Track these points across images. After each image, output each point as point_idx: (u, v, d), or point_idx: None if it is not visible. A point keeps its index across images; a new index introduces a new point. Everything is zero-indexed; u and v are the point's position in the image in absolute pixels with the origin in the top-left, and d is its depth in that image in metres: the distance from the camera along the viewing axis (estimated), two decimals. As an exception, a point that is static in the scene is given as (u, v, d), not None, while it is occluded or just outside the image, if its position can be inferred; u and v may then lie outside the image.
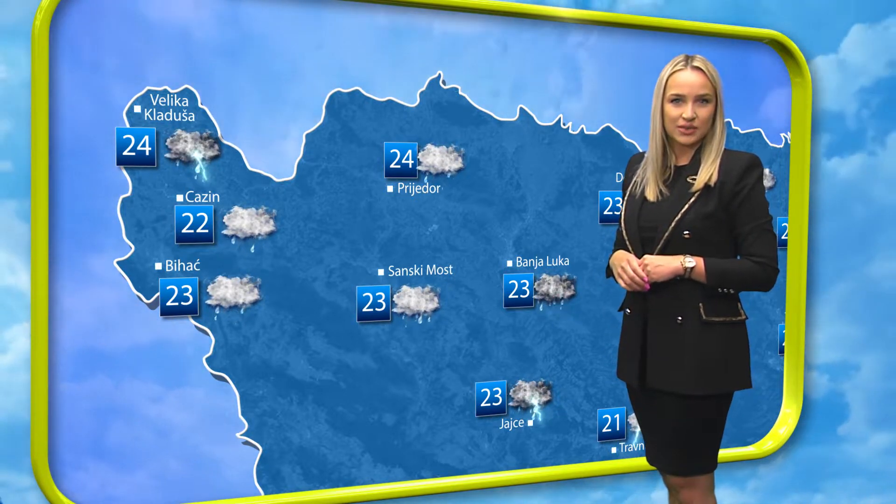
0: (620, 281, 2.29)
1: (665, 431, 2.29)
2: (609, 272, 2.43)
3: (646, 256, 2.26)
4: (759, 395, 3.43)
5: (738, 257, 2.28)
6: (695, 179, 2.25)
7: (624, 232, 2.35)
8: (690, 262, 2.20)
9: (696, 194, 2.23)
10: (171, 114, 2.68)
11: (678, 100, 2.25)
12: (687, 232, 2.22)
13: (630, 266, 2.25)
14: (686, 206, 2.23)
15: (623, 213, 2.38)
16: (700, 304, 2.22)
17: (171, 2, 2.67)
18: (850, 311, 3.55)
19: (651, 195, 2.30)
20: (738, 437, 3.37)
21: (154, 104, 2.67)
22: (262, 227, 2.80)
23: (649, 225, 2.28)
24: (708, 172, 2.23)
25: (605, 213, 3.20)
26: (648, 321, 2.29)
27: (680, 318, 2.23)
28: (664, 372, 2.25)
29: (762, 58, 3.37)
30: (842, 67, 3.46)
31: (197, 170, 2.71)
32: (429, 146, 2.97)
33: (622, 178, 3.17)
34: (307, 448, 2.89)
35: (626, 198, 2.40)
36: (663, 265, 2.22)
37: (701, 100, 2.24)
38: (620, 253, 2.35)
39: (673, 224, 2.23)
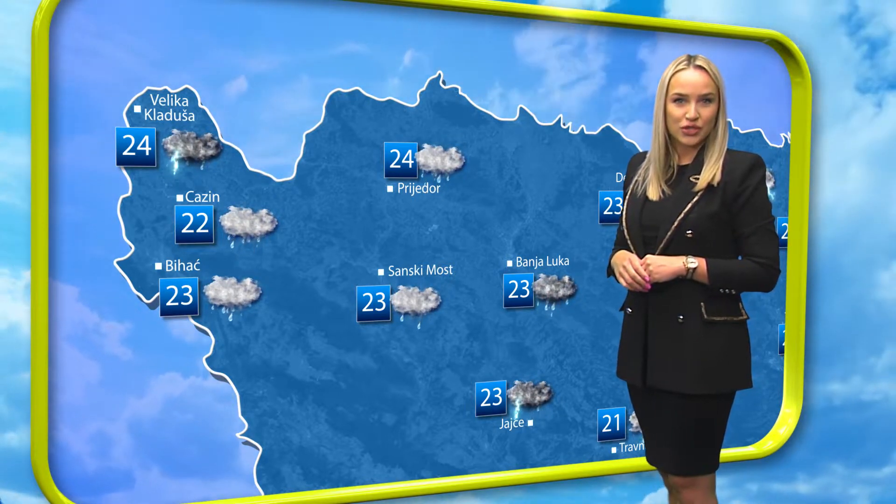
0: (622, 280, 2.29)
1: (666, 431, 2.29)
2: (610, 271, 2.44)
3: (648, 256, 2.25)
4: (759, 395, 3.42)
5: (740, 257, 2.28)
6: (698, 179, 2.24)
7: (626, 231, 2.35)
8: (693, 262, 2.20)
9: (699, 194, 2.23)
10: (171, 114, 2.68)
11: (681, 99, 2.24)
12: (690, 231, 2.21)
13: (632, 266, 2.24)
14: (689, 206, 2.22)
15: (625, 213, 2.37)
16: (702, 304, 2.22)
17: (170, 2, 2.66)
18: (850, 311, 3.55)
19: (653, 195, 2.29)
20: (738, 437, 3.37)
21: (154, 104, 2.67)
22: (259, 226, 2.79)
23: (651, 224, 2.28)
24: (711, 172, 2.23)
25: (605, 213, 3.20)
26: (649, 320, 2.29)
27: (681, 317, 2.23)
28: (665, 371, 2.25)
29: (762, 58, 3.37)
30: (842, 67, 3.46)
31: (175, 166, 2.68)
32: (425, 146, 2.97)
33: (623, 177, 3.17)
34: (307, 448, 2.89)
35: (627, 197, 2.40)
36: (665, 265, 2.22)
37: (704, 99, 2.23)
38: (622, 253, 2.35)
39: (676, 223, 2.23)
